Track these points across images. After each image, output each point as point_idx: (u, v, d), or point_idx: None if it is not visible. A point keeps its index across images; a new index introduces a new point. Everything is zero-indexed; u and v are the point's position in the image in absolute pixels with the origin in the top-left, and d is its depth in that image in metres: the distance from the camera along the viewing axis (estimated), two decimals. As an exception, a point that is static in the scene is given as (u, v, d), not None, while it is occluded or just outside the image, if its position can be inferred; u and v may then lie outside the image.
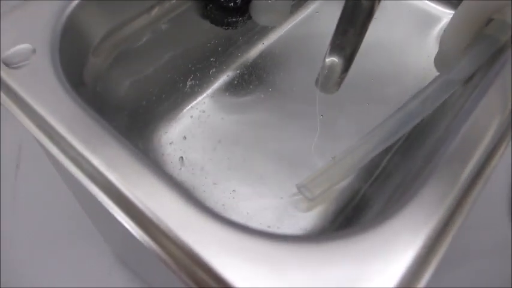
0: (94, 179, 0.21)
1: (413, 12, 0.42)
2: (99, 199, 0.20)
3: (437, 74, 0.37)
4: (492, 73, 0.27)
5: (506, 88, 0.26)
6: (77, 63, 0.27)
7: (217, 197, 0.32)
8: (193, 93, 0.37)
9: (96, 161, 0.20)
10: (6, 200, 0.42)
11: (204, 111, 0.36)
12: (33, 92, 0.22)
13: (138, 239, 0.19)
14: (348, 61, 0.29)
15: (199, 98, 0.37)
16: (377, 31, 0.40)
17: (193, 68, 0.37)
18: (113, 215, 0.20)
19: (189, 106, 0.36)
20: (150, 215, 0.19)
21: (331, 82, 0.31)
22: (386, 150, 0.31)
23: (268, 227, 0.31)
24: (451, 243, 0.19)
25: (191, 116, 0.36)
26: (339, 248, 0.18)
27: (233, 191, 0.33)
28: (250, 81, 0.38)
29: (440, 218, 0.19)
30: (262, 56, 0.39)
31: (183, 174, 0.33)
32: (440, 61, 0.34)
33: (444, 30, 0.34)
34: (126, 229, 0.19)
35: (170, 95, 0.36)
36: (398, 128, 0.31)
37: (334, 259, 0.17)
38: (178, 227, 0.18)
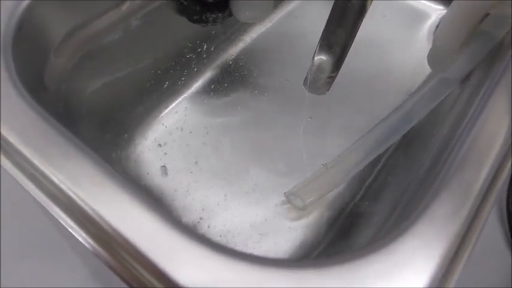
0: (55, 198, 0.18)
1: (402, 9, 0.40)
2: (61, 221, 0.17)
3: (429, 71, 0.35)
4: (494, 74, 0.25)
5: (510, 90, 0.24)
6: (36, 65, 0.24)
7: (198, 207, 0.30)
8: (170, 95, 0.34)
9: (57, 178, 0.17)
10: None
11: (183, 115, 0.33)
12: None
13: (106, 267, 0.17)
14: (338, 60, 0.27)
15: (177, 101, 0.34)
16: (366, 28, 0.38)
17: (170, 69, 0.35)
18: (77, 238, 0.17)
19: (167, 110, 0.33)
20: (119, 239, 0.16)
21: (320, 82, 0.28)
22: (379, 156, 0.29)
23: (258, 242, 0.28)
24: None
25: (169, 121, 0.33)
26: (340, 272, 0.15)
27: (216, 201, 0.30)
28: (231, 81, 0.36)
29: (454, 236, 0.17)
30: (243, 54, 0.37)
31: (163, 184, 0.30)
32: (434, 58, 0.32)
33: (438, 26, 0.32)
34: (94, 253, 0.17)
35: (145, 98, 0.33)
36: (393, 132, 0.29)
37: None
38: (153, 252, 0.16)
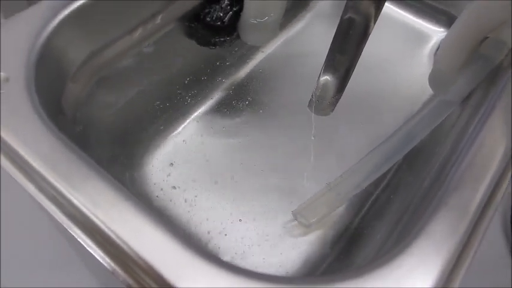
0: (74, 219, 0.19)
1: (404, 31, 0.42)
2: (80, 240, 0.19)
3: (431, 92, 0.36)
4: (493, 95, 0.26)
5: (508, 111, 0.25)
6: (55, 91, 0.26)
7: (208, 225, 0.31)
8: (180, 116, 0.35)
9: (77, 200, 0.19)
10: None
11: (193, 135, 0.35)
12: (7, 123, 0.21)
13: (122, 284, 0.18)
14: (343, 81, 0.28)
15: (187, 122, 0.35)
16: (369, 50, 0.39)
17: (179, 91, 0.36)
18: (96, 258, 0.18)
19: (176, 131, 0.35)
20: (136, 258, 0.17)
21: (325, 103, 0.29)
22: (384, 174, 0.30)
23: (263, 259, 0.29)
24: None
25: (179, 141, 0.34)
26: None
27: (224, 219, 0.31)
28: (239, 102, 0.37)
29: (452, 253, 0.18)
30: (250, 76, 0.38)
31: (173, 203, 0.31)
32: (435, 80, 0.33)
33: (438, 49, 0.33)
34: (111, 271, 0.18)
35: (156, 120, 0.34)
36: (395, 152, 0.30)
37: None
38: (165, 268, 0.17)
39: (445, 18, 0.41)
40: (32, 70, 0.23)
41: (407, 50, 0.40)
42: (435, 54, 0.34)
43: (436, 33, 0.41)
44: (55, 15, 0.26)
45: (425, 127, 0.30)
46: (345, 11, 0.25)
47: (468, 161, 0.21)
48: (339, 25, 0.25)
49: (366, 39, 0.25)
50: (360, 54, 0.26)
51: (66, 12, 0.26)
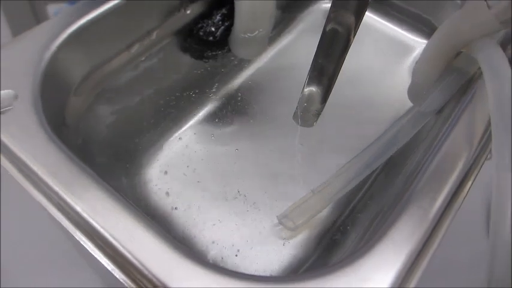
0: (78, 225, 0.21)
1: (388, 42, 0.44)
2: (83, 244, 0.21)
3: (410, 103, 0.38)
4: (461, 106, 0.28)
5: (473, 121, 0.27)
6: (59, 105, 0.28)
7: (198, 227, 0.33)
8: (175, 125, 0.37)
9: (80, 207, 0.21)
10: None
11: (187, 143, 0.37)
12: (17, 137, 0.23)
13: (120, 281, 0.20)
14: (326, 92, 0.29)
15: (181, 130, 0.37)
16: (353, 61, 0.42)
17: (175, 101, 0.38)
18: (96, 258, 0.21)
19: (171, 139, 0.37)
20: (131, 259, 0.20)
21: (309, 114, 0.31)
22: (364, 181, 0.32)
23: (250, 261, 0.31)
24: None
25: (174, 149, 0.37)
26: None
27: (216, 222, 0.33)
28: (231, 112, 0.39)
29: (409, 255, 0.20)
30: (241, 87, 0.40)
31: (168, 207, 0.34)
32: (413, 92, 0.35)
33: (416, 64, 0.35)
34: (110, 271, 0.20)
35: (152, 129, 0.36)
36: (374, 160, 0.32)
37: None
38: (157, 269, 0.19)
39: (428, 30, 0.44)
40: (38, 86, 0.26)
41: (391, 61, 0.43)
42: (413, 68, 0.36)
43: (419, 44, 0.44)
44: (59, 34, 0.28)
45: (403, 137, 0.32)
46: (327, 23, 0.26)
47: (431, 169, 0.24)
48: (321, 36, 0.26)
49: (347, 49, 0.27)
50: (342, 64, 0.27)
51: (69, 31, 0.29)
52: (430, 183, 0.23)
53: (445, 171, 0.24)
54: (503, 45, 0.31)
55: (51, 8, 0.55)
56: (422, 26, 0.44)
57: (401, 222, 0.21)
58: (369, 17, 0.46)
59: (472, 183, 0.24)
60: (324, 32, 0.26)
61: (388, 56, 0.43)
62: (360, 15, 0.26)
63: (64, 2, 0.55)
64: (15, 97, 0.24)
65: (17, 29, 0.56)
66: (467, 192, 0.24)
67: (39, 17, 0.56)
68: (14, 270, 0.40)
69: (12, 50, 0.27)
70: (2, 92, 0.24)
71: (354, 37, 0.27)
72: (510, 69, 0.25)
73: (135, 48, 0.34)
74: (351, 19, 0.26)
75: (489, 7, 0.29)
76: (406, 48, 0.44)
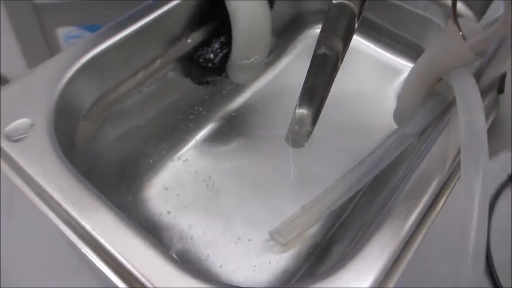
0: (84, 239, 0.24)
1: (377, 66, 0.47)
2: (88, 256, 0.23)
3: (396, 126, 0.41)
4: (438, 129, 0.31)
5: (447, 144, 0.29)
6: (69, 130, 0.31)
7: (197, 242, 0.35)
8: (176, 146, 0.40)
9: (88, 225, 0.23)
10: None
11: (186, 163, 0.39)
12: (32, 162, 0.26)
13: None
14: (316, 114, 0.31)
15: (182, 151, 0.40)
16: (343, 85, 0.44)
17: (178, 122, 0.41)
18: (100, 270, 0.23)
19: (172, 158, 0.40)
20: (134, 272, 0.22)
21: (299, 136, 0.34)
22: (350, 199, 0.34)
23: (248, 273, 0.34)
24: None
25: (176, 167, 0.39)
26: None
27: (214, 236, 0.36)
28: (229, 132, 0.42)
29: (381, 271, 0.22)
30: (239, 109, 0.43)
31: (169, 224, 0.36)
32: (398, 116, 0.38)
33: (401, 89, 0.38)
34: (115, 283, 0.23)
35: (154, 149, 0.39)
36: (360, 179, 0.34)
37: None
38: (152, 278, 0.22)
39: (415, 54, 0.46)
40: (51, 115, 0.28)
41: (380, 85, 0.45)
42: (398, 94, 0.38)
43: (407, 68, 0.46)
44: (70, 66, 0.31)
45: (388, 157, 0.35)
46: (317, 47, 0.28)
47: (407, 188, 0.26)
48: (311, 60, 0.28)
49: (336, 73, 0.28)
50: (331, 87, 0.29)
51: (80, 63, 0.31)
52: (405, 202, 0.25)
53: (419, 190, 0.26)
54: (479, 74, 0.33)
55: (61, 31, 0.58)
56: (410, 50, 0.46)
57: (376, 239, 0.23)
58: (359, 41, 0.48)
59: (445, 201, 0.26)
60: (314, 56, 0.28)
61: (378, 79, 0.46)
62: (348, 40, 0.28)
63: (73, 26, 0.58)
64: (31, 126, 0.27)
65: (29, 51, 0.60)
66: (440, 210, 0.26)
67: (49, 40, 0.59)
68: (13, 270, 0.42)
69: (28, 82, 0.29)
70: (19, 121, 0.27)
71: (342, 61, 0.28)
72: (480, 100, 0.28)
73: (140, 75, 0.36)
74: (339, 44, 0.28)
75: (465, 39, 0.31)
76: (395, 72, 0.46)
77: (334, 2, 0.27)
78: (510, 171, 0.52)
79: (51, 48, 0.60)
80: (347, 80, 0.45)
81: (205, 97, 0.42)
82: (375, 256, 0.22)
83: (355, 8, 0.27)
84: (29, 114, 0.28)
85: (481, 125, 0.26)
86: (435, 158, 0.28)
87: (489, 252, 0.46)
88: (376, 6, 0.48)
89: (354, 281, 0.21)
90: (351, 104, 0.43)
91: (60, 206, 0.24)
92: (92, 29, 0.57)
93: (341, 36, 0.28)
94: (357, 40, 0.48)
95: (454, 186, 0.27)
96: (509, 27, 0.28)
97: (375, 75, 0.46)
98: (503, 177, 0.52)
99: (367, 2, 0.27)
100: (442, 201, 0.26)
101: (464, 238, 0.23)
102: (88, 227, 0.23)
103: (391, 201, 0.25)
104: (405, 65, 0.46)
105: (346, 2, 0.27)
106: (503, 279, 0.45)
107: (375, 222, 0.24)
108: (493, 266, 0.45)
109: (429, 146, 0.29)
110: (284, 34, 0.47)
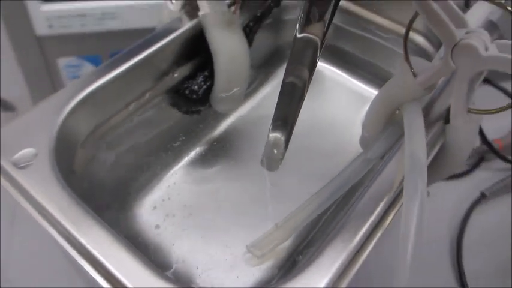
0: (81, 252, 0.28)
1: (348, 94, 0.51)
2: (86, 269, 0.28)
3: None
4: (391, 154, 0.35)
5: (397, 168, 0.33)
6: (68, 157, 0.35)
7: (181, 254, 0.40)
8: (164, 169, 0.45)
9: (84, 240, 0.28)
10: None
11: (173, 184, 0.44)
12: (36, 187, 0.30)
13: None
14: (288, 137, 0.34)
15: (170, 173, 0.45)
16: (316, 112, 0.49)
17: (166, 147, 0.45)
18: (97, 281, 0.27)
19: (161, 180, 0.44)
20: (121, 278, 0.26)
21: (273, 160, 0.38)
22: (319, 216, 0.39)
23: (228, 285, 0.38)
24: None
25: (164, 188, 0.44)
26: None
27: (197, 251, 0.40)
28: (213, 156, 0.46)
29: (327, 283, 0.26)
30: (223, 136, 0.48)
31: (156, 238, 0.40)
32: (363, 142, 0.42)
33: (364, 118, 0.42)
34: None
35: (144, 172, 0.43)
36: (327, 199, 0.38)
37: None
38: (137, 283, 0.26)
39: (383, 83, 0.51)
40: (53, 144, 0.32)
41: (350, 112, 0.50)
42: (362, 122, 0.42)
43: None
44: (70, 100, 0.35)
45: (352, 179, 0.39)
46: (286, 76, 0.31)
47: (359, 207, 0.30)
48: (281, 88, 0.31)
49: (304, 98, 0.32)
50: (299, 111, 0.32)
51: (79, 97, 0.36)
52: (356, 218, 0.29)
53: (369, 208, 0.30)
54: (429, 106, 0.37)
55: (61, 61, 0.62)
56: (379, 80, 0.51)
57: (327, 252, 0.27)
58: (330, 69, 0.53)
59: (392, 218, 0.31)
60: (283, 85, 0.31)
61: (348, 107, 0.50)
62: (312, 69, 0.31)
63: (72, 56, 0.62)
64: (35, 155, 0.31)
65: (31, 79, 0.64)
66: (387, 225, 0.30)
67: (50, 69, 0.63)
68: (13, 271, 0.46)
69: (33, 116, 0.34)
70: (25, 150, 0.31)
71: (308, 88, 0.31)
72: (423, 133, 0.32)
73: (132, 106, 0.41)
74: (306, 73, 0.31)
75: (415, 76, 0.35)
76: (364, 100, 0.51)
77: (298, 36, 0.30)
78: (482, 189, 0.57)
79: (52, 76, 0.64)
80: (320, 108, 0.49)
81: (191, 125, 0.46)
82: (325, 267, 0.26)
83: (318, 40, 0.30)
84: (33, 144, 0.32)
85: (422, 156, 0.30)
86: (385, 180, 0.32)
87: (460, 261, 0.50)
88: (349, 39, 0.53)
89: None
90: (323, 130, 0.48)
91: (59, 223, 0.28)
92: (89, 59, 0.62)
93: (307, 65, 0.31)
94: (327, 68, 0.53)
95: (400, 205, 0.31)
96: (449, 69, 0.32)
97: (346, 103, 0.51)
98: (477, 194, 0.57)
99: (327, 35, 0.30)
100: (389, 218, 0.30)
101: (401, 252, 0.27)
102: (83, 241, 0.27)
103: (344, 218, 0.30)
104: (374, 94, 0.51)
105: (309, 35, 0.30)
106: (503, 279, 0.49)
107: (329, 236, 0.28)
108: (463, 273, 0.49)
109: (381, 170, 0.33)
110: (264, 66, 0.52)
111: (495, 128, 0.61)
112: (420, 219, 0.28)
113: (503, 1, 0.31)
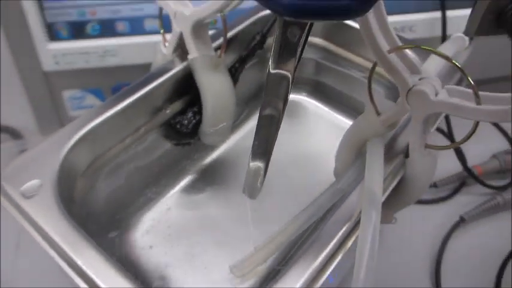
0: (78, 273, 0.32)
1: (328, 126, 0.56)
2: (80, 285, 0.32)
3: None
4: (357, 183, 0.39)
5: (358, 199, 0.37)
6: (69, 187, 0.39)
7: (172, 276, 0.44)
8: (157, 196, 0.49)
9: (80, 262, 0.32)
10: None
11: (166, 210, 0.48)
12: (40, 215, 0.34)
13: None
14: (266, 166, 0.37)
15: (162, 199, 0.49)
16: (296, 144, 0.53)
17: (159, 175, 0.50)
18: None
19: (154, 206, 0.48)
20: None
21: (253, 188, 0.41)
22: (296, 239, 0.42)
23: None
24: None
25: (156, 213, 0.48)
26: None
27: (185, 271, 0.44)
28: (203, 184, 0.51)
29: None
30: (212, 165, 0.52)
31: (148, 260, 0.45)
32: (337, 172, 0.46)
33: (336, 151, 0.46)
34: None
35: (138, 199, 0.48)
36: (301, 225, 0.42)
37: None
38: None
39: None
40: (56, 176, 0.37)
41: (329, 143, 0.54)
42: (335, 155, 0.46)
43: (353, 128, 0.55)
44: (72, 136, 0.40)
45: (324, 207, 0.43)
46: (263, 108, 0.33)
47: (324, 230, 0.34)
48: (258, 120, 0.34)
49: (279, 128, 0.33)
50: (275, 140, 0.34)
51: (80, 134, 0.40)
52: (319, 241, 0.33)
53: (331, 233, 0.34)
54: (392, 141, 0.42)
55: (66, 93, 0.67)
56: (359, 114, 0.55)
57: (293, 271, 0.31)
58: (311, 103, 0.58)
59: (352, 243, 0.35)
60: (261, 117, 0.34)
61: (327, 139, 0.55)
62: (286, 101, 0.33)
63: (76, 89, 0.67)
64: (40, 186, 0.36)
65: (38, 110, 0.69)
66: (348, 249, 0.34)
67: (56, 100, 0.68)
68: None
69: (39, 150, 0.38)
70: (31, 182, 0.36)
71: (282, 118, 0.33)
72: (381, 169, 0.36)
73: (128, 140, 0.45)
74: (280, 104, 0.33)
75: (378, 114, 0.39)
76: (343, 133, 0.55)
77: (272, 71, 0.32)
78: (461, 214, 0.60)
79: (57, 107, 0.69)
80: (301, 140, 0.54)
81: (182, 155, 0.51)
82: (292, 282, 0.30)
83: (289, 75, 0.32)
84: (38, 176, 0.36)
85: (378, 192, 0.34)
86: (348, 208, 0.36)
87: (439, 284, 0.54)
88: (330, 74, 0.58)
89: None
90: (303, 161, 0.52)
91: (59, 246, 0.32)
92: (92, 91, 0.67)
93: (281, 98, 0.33)
94: (308, 101, 0.58)
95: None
96: (405, 110, 0.36)
97: (326, 135, 0.55)
98: (457, 218, 0.60)
99: (296, 71, 0.32)
100: (349, 243, 0.34)
101: (355, 276, 0.31)
102: (79, 262, 0.31)
103: (309, 241, 0.34)
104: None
105: (282, 71, 0.32)
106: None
107: (294, 257, 0.32)
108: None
109: (345, 198, 0.37)
110: (251, 101, 0.56)
111: (476, 154, 0.65)
112: (373, 247, 0.32)
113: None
